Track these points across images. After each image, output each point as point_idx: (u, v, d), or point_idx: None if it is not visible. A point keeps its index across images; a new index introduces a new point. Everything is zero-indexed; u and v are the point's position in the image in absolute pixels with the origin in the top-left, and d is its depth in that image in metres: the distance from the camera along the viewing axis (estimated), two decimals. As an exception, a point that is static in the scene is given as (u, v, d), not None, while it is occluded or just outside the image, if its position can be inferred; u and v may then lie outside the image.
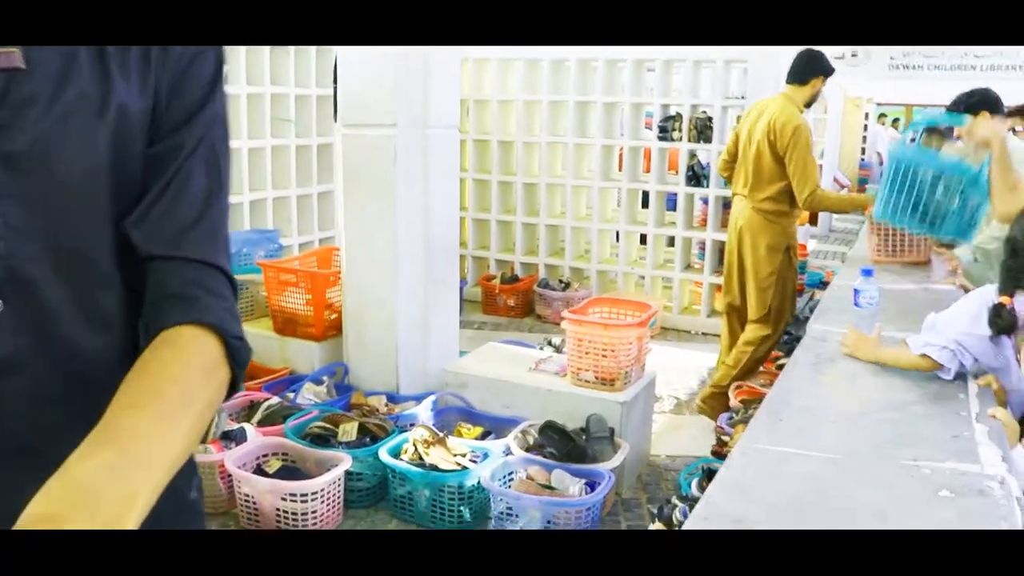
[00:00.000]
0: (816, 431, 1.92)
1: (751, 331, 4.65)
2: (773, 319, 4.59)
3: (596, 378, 3.90)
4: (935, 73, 13.34)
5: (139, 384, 0.85)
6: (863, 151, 17.04)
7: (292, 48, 5.68)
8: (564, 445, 3.60)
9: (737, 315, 4.84)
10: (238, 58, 5.30)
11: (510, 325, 6.72)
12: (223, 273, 1.00)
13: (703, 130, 6.45)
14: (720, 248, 6.68)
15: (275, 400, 4.12)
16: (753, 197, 4.55)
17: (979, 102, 4.00)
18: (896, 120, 18.52)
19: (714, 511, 1.50)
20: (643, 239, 7.12)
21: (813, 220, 11.41)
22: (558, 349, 5.10)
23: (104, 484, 0.73)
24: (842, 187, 13.02)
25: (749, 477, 1.65)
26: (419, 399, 4.16)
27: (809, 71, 4.49)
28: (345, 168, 4.24)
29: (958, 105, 4.03)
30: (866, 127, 17.18)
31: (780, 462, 1.71)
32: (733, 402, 4.25)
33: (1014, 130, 4.42)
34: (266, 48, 5.49)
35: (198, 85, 1.01)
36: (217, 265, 0.99)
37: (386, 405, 4.19)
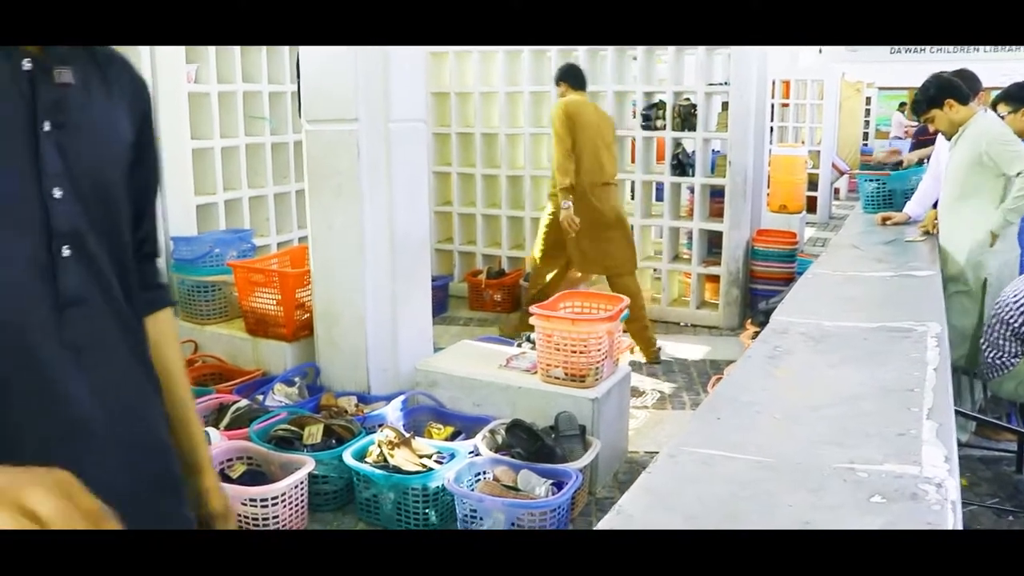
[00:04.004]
0: (754, 430, 1.82)
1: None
2: None
3: (566, 375, 3.79)
4: (938, 55, 13.16)
5: (182, 380, 1.47)
6: (865, 136, 16.84)
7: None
8: (532, 444, 3.50)
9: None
10: (208, 56, 5.20)
11: (497, 320, 6.61)
12: None
13: (687, 118, 6.33)
14: (709, 238, 6.60)
15: (244, 403, 4.03)
16: (615, 179, 5.57)
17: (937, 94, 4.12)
18: (903, 104, 18.27)
19: (626, 521, 1.40)
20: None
21: (812, 208, 11.26)
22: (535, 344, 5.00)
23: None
24: (841, 173, 12.86)
25: (671, 482, 1.55)
26: (390, 399, 4.07)
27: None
28: (309, 165, 4.15)
29: (920, 106, 4.18)
30: (868, 111, 16.98)
31: (706, 465, 1.61)
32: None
33: (1001, 115, 4.32)
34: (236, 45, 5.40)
35: (152, 127, 1.37)
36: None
37: (356, 406, 4.09)
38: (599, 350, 3.77)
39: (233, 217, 5.56)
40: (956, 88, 4.15)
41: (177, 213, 5.07)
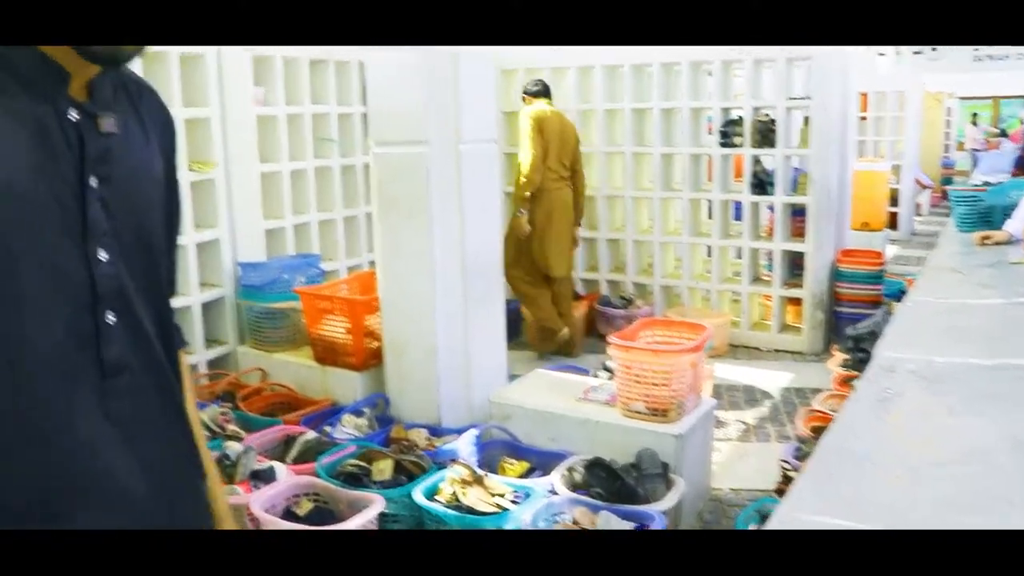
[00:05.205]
0: (873, 492, 1.61)
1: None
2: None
3: (647, 409, 3.59)
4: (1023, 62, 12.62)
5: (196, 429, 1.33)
6: (946, 148, 16.26)
7: (332, 64, 5.51)
8: (612, 484, 3.30)
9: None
10: (275, 77, 5.14)
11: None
12: None
13: (766, 134, 6.09)
14: (791, 259, 6.32)
15: (312, 435, 3.90)
16: (567, 180, 5.91)
17: None
18: (975, 115, 17.61)
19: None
20: (709, 251, 6.78)
21: (893, 224, 10.83)
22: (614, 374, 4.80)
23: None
24: (924, 188, 12.41)
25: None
26: (461, 432, 3.90)
27: None
28: (376, 188, 4.03)
29: None
30: (948, 123, 16.38)
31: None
32: (801, 431, 3.88)
33: None
34: (305, 66, 5.32)
35: (176, 161, 1.30)
36: None
37: (427, 439, 3.93)
38: (682, 383, 3.56)
39: (302, 242, 5.48)
40: None
41: (245, 238, 5.00)
